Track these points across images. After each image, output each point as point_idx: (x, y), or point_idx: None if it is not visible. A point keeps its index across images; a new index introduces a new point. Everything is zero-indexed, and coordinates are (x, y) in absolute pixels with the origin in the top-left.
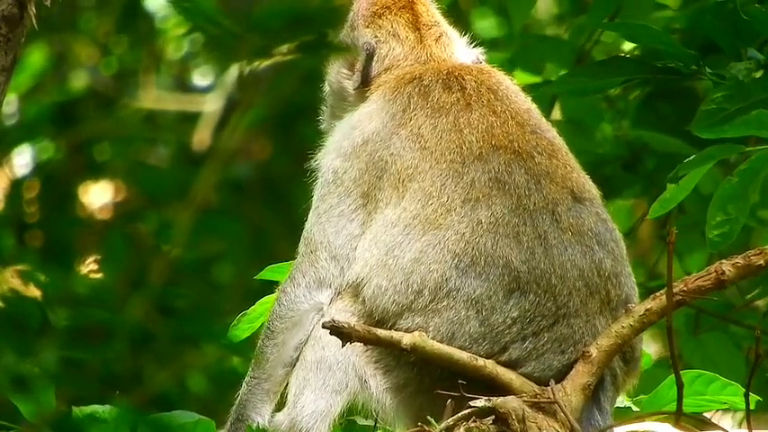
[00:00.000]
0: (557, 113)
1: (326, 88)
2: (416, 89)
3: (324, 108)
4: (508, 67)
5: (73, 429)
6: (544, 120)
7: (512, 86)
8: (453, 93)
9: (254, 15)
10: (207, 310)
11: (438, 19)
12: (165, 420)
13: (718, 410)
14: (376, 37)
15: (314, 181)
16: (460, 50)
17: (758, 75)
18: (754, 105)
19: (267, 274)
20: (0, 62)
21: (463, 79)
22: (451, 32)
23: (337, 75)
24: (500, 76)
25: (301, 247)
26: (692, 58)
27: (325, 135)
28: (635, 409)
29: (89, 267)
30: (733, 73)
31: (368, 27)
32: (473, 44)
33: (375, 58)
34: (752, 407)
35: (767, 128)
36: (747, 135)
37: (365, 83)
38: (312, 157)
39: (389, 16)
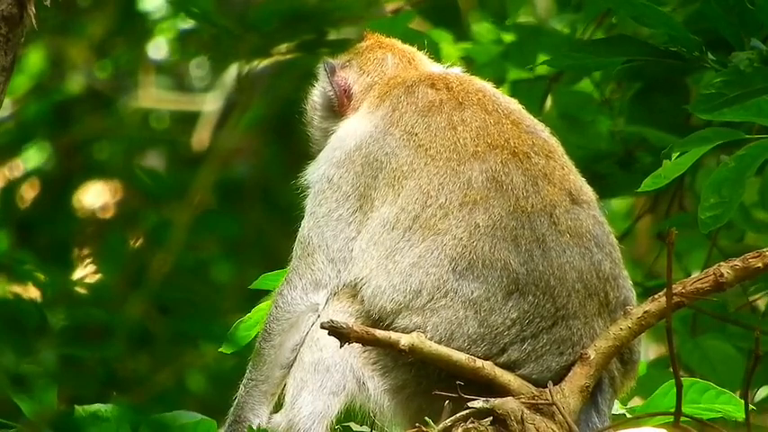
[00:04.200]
0: (550, 109)
1: (310, 130)
2: (402, 89)
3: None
4: (501, 61)
5: (73, 428)
6: (536, 120)
7: (496, 90)
8: (439, 90)
9: (252, 14)
10: (205, 310)
11: (414, 50)
12: (167, 420)
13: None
14: (357, 64)
15: (304, 195)
16: (439, 68)
17: (759, 65)
18: (753, 93)
19: (262, 282)
20: (0, 62)
21: (447, 80)
22: (429, 60)
23: (314, 111)
24: (483, 82)
25: (297, 251)
26: (695, 44)
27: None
28: (629, 416)
29: (88, 267)
30: (735, 62)
31: (343, 67)
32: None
33: (356, 77)
34: (744, 416)
35: (766, 115)
36: (746, 121)
37: (346, 96)
38: (305, 165)
39: (363, 52)
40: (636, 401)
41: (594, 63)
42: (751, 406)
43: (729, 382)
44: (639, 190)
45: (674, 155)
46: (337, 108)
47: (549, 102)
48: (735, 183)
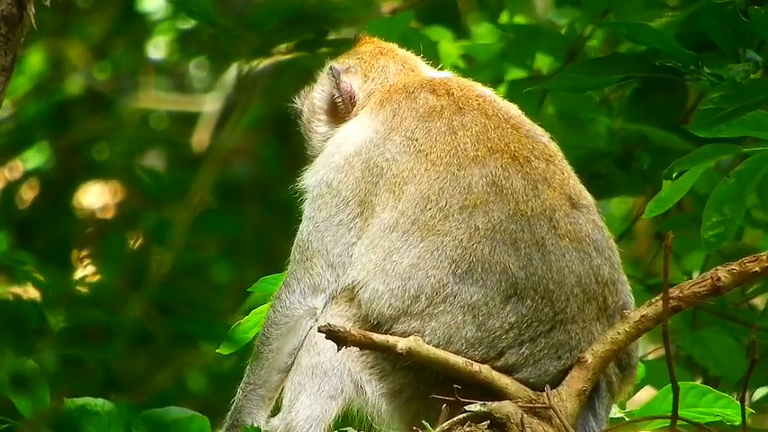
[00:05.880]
0: (548, 109)
1: (308, 133)
2: (403, 95)
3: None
4: (500, 61)
5: (68, 425)
6: (536, 125)
7: (496, 96)
8: (440, 96)
9: (252, 14)
10: (205, 310)
11: (413, 55)
12: (159, 415)
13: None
14: (362, 70)
15: (301, 199)
16: (435, 73)
17: (756, 76)
18: (751, 106)
19: (261, 286)
20: (0, 62)
21: (448, 86)
22: (426, 66)
23: (313, 113)
24: (483, 87)
25: (295, 255)
26: (690, 59)
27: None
28: (627, 419)
29: (87, 268)
30: (731, 74)
31: (347, 72)
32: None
33: (360, 83)
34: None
35: (764, 128)
36: (744, 136)
37: (351, 101)
38: (304, 167)
39: (367, 58)
40: (643, 392)
41: (591, 82)
42: (750, 410)
43: (732, 373)
44: (645, 216)
45: (676, 171)
46: (342, 113)
47: (546, 101)
48: (736, 200)
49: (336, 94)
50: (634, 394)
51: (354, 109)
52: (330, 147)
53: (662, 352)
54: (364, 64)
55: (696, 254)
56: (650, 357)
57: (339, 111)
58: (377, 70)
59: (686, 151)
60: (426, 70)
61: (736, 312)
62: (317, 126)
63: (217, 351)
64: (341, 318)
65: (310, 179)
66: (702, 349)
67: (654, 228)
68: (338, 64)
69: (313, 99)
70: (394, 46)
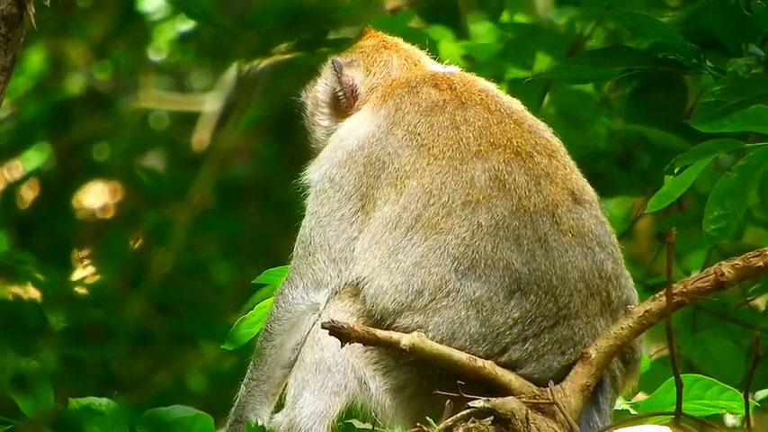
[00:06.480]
0: (548, 108)
1: (311, 127)
2: (406, 89)
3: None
4: (500, 60)
5: (70, 425)
6: (539, 120)
7: (499, 91)
8: (443, 91)
9: (251, 14)
10: (205, 310)
11: (417, 50)
12: (163, 415)
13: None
14: (364, 64)
15: (305, 194)
16: (441, 68)
17: (758, 71)
18: (752, 100)
19: (265, 278)
20: (0, 62)
21: (451, 81)
22: (430, 60)
23: (317, 107)
24: (486, 82)
25: (298, 250)
26: (692, 52)
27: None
28: (633, 412)
29: (87, 268)
30: (733, 69)
31: (349, 66)
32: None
33: (362, 77)
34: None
35: (765, 123)
36: (745, 130)
37: (353, 96)
38: (304, 165)
39: (369, 52)
40: (640, 396)
41: (593, 74)
42: (755, 402)
43: (731, 377)
44: (647, 211)
45: (677, 167)
46: (344, 107)
47: (546, 100)
48: (738, 194)
49: (338, 88)
50: (638, 390)
51: (357, 103)
52: (333, 141)
53: (662, 353)
54: (367, 58)
55: (697, 254)
56: (651, 359)
57: (341, 105)
58: (379, 64)
59: (686, 151)
60: (430, 65)
61: (736, 313)
62: (320, 120)
63: (221, 347)
64: (344, 313)
65: (313, 174)
66: (701, 353)
67: (654, 228)
68: (341, 58)
69: (316, 93)
70: (398, 40)
